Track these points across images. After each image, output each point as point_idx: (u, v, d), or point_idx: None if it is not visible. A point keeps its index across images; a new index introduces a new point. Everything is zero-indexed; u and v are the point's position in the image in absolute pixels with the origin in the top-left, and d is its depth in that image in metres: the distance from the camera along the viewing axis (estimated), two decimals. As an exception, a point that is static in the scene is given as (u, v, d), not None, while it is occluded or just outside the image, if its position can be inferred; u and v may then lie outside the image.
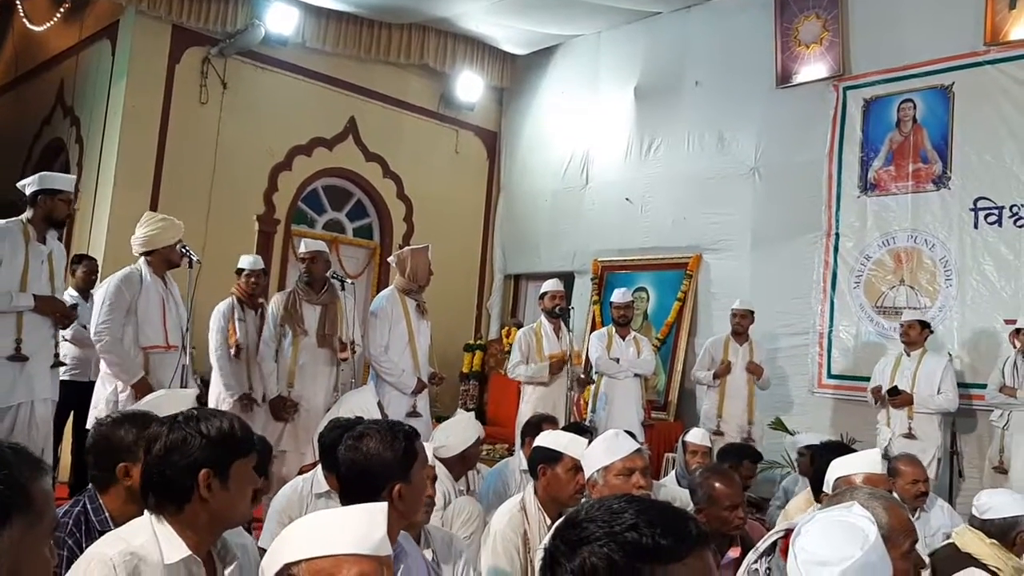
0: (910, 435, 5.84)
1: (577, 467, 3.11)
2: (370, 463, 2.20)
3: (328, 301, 5.51)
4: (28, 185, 4.46)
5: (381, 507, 1.46)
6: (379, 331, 5.61)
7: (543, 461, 3.15)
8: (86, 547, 2.17)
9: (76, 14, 8.52)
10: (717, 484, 3.12)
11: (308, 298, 5.46)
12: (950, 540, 3.11)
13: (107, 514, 2.32)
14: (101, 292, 4.83)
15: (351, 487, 2.24)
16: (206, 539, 1.92)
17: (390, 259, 6.10)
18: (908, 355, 6.06)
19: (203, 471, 1.87)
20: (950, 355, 6.18)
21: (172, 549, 1.84)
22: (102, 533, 2.23)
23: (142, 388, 4.59)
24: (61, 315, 4.50)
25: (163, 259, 4.87)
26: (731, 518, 3.09)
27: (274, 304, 5.48)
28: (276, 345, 5.40)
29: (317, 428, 5.05)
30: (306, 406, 5.34)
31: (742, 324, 6.74)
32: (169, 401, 3.51)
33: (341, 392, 5.31)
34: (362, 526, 1.41)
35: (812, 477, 3.66)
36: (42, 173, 4.62)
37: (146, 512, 1.91)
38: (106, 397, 4.73)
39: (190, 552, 1.85)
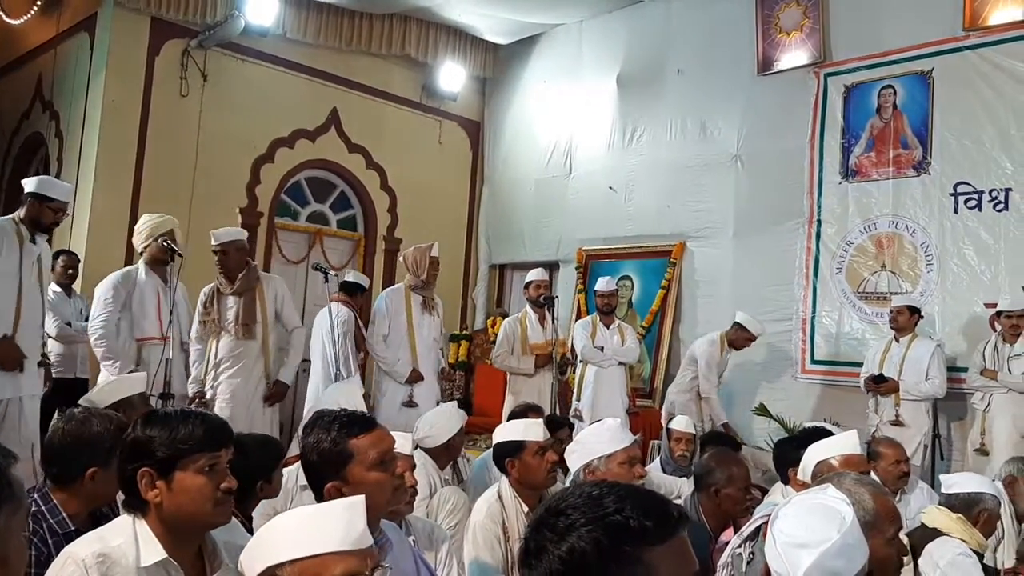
0: (897, 422, 5.88)
1: (542, 448, 3.12)
2: (307, 459, 2.19)
3: (244, 289, 5.26)
4: (27, 184, 4.56)
5: (359, 500, 1.47)
6: (377, 324, 5.83)
7: (507, 455, 3.16)
8: (52, 542, 2.18)
9: (53, 7, 8.43)
10: (735, 467, 3.41)
11: (224, 290, 5.26)
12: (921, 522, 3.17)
13: (64, 515, 2.31)
14: (99, 289, 5.12)
15: (307, 481, 2.25)
16: (181, 541, 1.86)
17: (400, 257, 6.18)
18: (897, 341, 6.09)
19: (140, 471, 1.84)
20: (939, 343, 6.15)
21: (149, 551, 1.81)
22: (64, 534, 2.22)
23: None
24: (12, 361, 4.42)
25: (151, 255, 5.14)
26: (743, 498, 3.38)
27: (200, 299, 5.34)
28: (202, 345, 5.27)
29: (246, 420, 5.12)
30: (232, 400, 5.18)
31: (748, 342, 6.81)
32: (119, 386, 3.58)
33: (266, 383, 5.29)
34: (343, 522, 1.41)
35: (775, 461, 3.75)
36: (42, 177, 4.89)
37: (125, 513, 1.89)
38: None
39: (166, 555, 1.81)
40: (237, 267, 5.27)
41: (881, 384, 5.98)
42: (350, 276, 6.89)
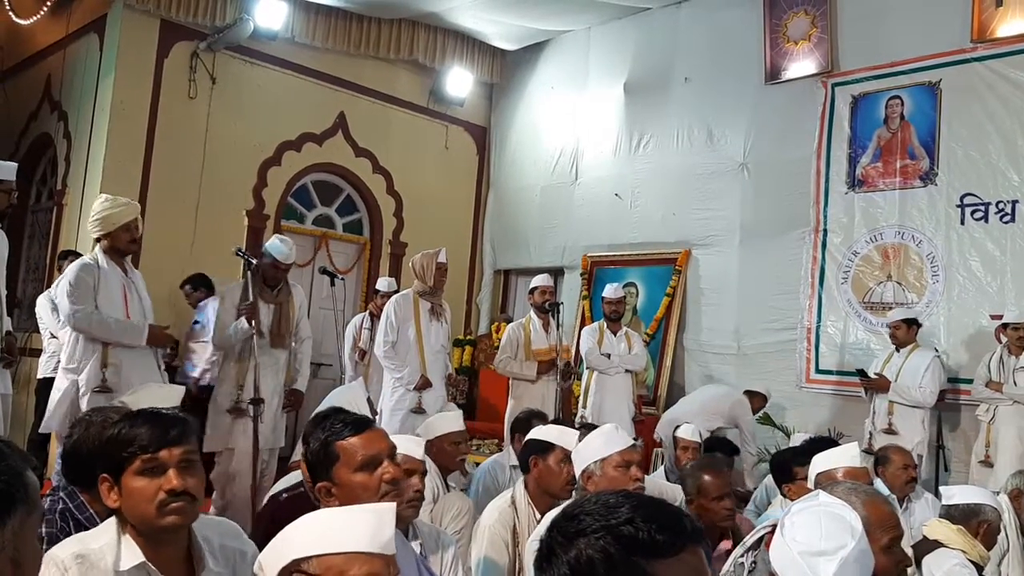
0: (890, 430, 5.92)
1: (568, 457, 3.14)
2: (306, 459, 2.25)
3: (283, 300, 5.33)
4: None
5: (389, 507, 1.49)
6: (385, 329, 5.84)
7: (535, 453, 3.19)
8: None
9: (63, 8, 8.46)
10: (706, 476, 3.29)
11: (264, 296, 5.26)
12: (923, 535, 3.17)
13: (92, 511, 2.31)
14: (63, 281, 4.68)
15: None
16: (158, 544, 1.84)
17: (409, 263, 6.22)
18: (898, 351, 6.13)
19: (100, 478, 1.84)
20: (938, 352, 6.17)
21: (129, 555, 1.80)
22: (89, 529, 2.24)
23: (159, 338, 4.72)
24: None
25: (112, 244, 4.63)
26: (718, 509, 3.25)
27: (228, 299, 5.25)
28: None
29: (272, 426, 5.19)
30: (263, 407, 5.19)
31: None
32: (150, 395, 3.56)
33: (283, 392, 5.32)
34: (372, 525, 1.43)
35: (776, 466, 3.76)
36: None
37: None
38: (67, 397, 4.54)
39: (143, 559, 1.80)
40: (283, 278, 5.32)
41: (865, 379, 6.11)
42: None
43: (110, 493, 1.83)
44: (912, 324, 6.12)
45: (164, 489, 1.80)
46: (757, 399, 6.90)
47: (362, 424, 2.23)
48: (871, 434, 5.97)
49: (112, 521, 1.86)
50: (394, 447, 2.26)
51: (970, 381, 6.02)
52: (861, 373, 6.21)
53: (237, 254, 5.24)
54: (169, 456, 1.84)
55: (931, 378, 5.89)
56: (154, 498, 1.79)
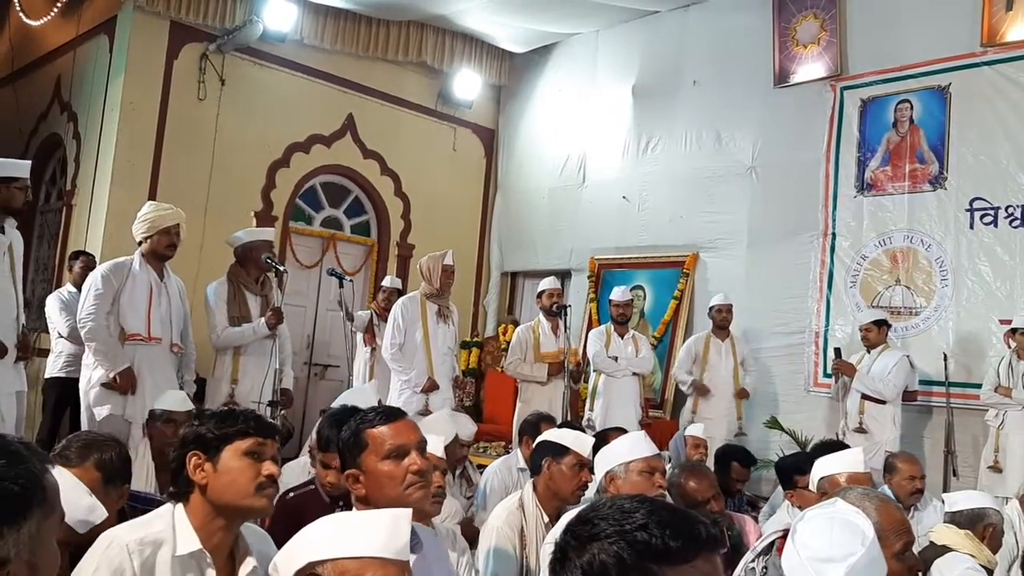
0: (860, 429, 6.00)
1: (582, 463, 3.13)
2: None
3: (268, 292, 5.32)
4: None
5: (405, 513, 1.49)
6: (392, 331, 5.88)
7: (548, 454, 3.17)
8: None
9: (73, 9, 8.49)
10: (690, 483, 3.30)
11: (250, 289, 5.26)
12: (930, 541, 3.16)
13: None
14: (88, 280, 4.79)
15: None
16: (216, 532, 1.93)
17: (417, 265, 6.26)
18: (869, 352, 6.23)
19: (190, 454, 1.95)
20: (907, 354, 6.27)
21: (185, 541, 1.88)
22: None
23: (126, 378, 4.60)
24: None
25: (151, 248, 4.79)
26: (705, 513, 3.20)
27: (216, 295, 5.22)
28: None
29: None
30: (254, 399, 5.14)
31: (726, 319, 6.89)
32: (174, 398, 3.69)
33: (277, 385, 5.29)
34: (388, 531, 1.44)
35: (778, 473, 3.76)
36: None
37: (170, 502, 1.98)
38: (83, 389, 4.73)
39: (200, 546, 1.88)
40: (267, 267, 5.32)
41: (837, 359, 6.26)
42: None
43: (197, 470, 1.93)
44: (882, 325, 6.24)
45: (264, 474, 1.96)
46: (711, 317, 7.08)
47: (394, 414, 2.25)
48: (845, 433, 6.02)
49: (169, 507, 1.96)
50: (424, 440, 2.26)
51: (979, 386, 6.00)
52: (837, 353, 6.37)
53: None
54: (271, 446, 2.02)
55: (896, 373, 6.00)
56: (255, 479, 1.95)
